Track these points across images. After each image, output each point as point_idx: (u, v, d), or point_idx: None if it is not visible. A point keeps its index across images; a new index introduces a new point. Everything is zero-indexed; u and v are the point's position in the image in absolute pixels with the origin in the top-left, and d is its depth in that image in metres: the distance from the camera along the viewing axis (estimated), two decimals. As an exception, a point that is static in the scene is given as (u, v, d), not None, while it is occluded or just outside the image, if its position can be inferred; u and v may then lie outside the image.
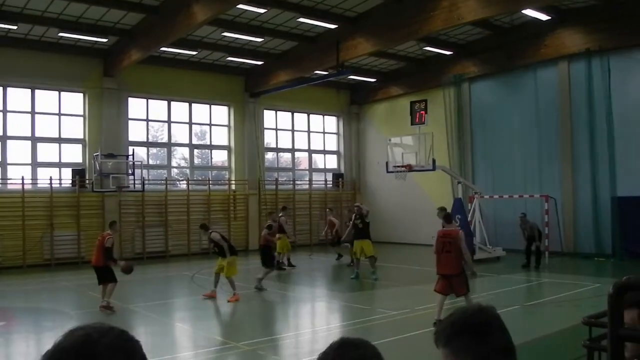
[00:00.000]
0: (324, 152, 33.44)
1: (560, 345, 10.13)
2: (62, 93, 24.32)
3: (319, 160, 33.50)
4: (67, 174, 24.16)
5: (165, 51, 24.40)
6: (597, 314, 4.81)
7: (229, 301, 14.60)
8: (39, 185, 23.49)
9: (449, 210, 14.53)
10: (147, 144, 26.94)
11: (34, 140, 23.67)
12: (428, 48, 26.06)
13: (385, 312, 13.10)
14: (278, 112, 31.11)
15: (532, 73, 24.45)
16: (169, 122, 27.32)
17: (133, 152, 25.06)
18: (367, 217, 18.66)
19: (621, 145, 21.56)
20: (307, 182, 32.00)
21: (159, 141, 27.64)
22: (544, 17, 21.81)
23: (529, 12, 20.97)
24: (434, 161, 20.64)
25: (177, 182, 28.02)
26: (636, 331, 2.26)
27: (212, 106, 28.61)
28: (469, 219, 22.45)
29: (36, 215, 22.70)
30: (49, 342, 1.53)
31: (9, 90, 23.41)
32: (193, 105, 27.90)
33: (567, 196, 23.48)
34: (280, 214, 21.46)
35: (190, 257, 25.16)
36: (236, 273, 15.17)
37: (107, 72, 24.61)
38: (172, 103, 27.24)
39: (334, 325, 12.60)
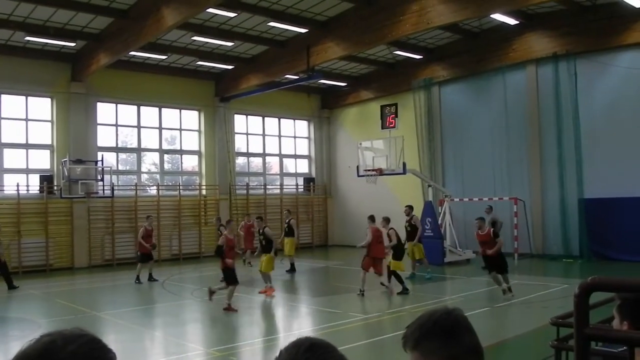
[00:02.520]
0: (295, 156, 33.43)
1: (529, 345, 10.25)
2: (29, 98, 23.96)
3: (290, 165, 33.48)
4: (34, 180, 23.82)
5: (134, 55, 24.18)
6: (564, 315, 4.87)
7: (260, 292, 16.08)
8: (5, 192, 23.08)
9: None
10: (117, 150, 26.67)
11: (0, 146, 23.28)
12: (398, 52, 26.22)
13: (357, 315, 13.14)
14: (249, 117, 31.05)
15: (501, 77, 24.71)
16: (138, 127, 27.08)
17: (102, 158, 24.81)
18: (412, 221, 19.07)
19: (588, 147, 21.88)
20: (278, 187, 31.95)
21: (129, 146, 27.39)
22: (512, 21, 22.07)
23: (498, 17, 21.19)
24: (404, 165, 20.78)
25: (147, 188, 27.80)
26: (600, 330, 2.29)
27: (182, 111, 28.43)
28: (439, 222, 22.63)
29: (3, 222, 22.24)
30: (15, 352, 1.51)
31: (-25, 95, 23.04)
32: (163, 110, 27.71)
33: (536, 198, 23.77)
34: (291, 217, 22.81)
35: (160, 263, 24.94)
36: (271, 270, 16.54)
37: (75, 77, 24.33)
38: (142, 108, 27.03)
39: (305, 329, 12.59)
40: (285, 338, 11.69)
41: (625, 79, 21.29)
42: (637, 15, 20.20)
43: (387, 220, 16.55)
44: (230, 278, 14.05)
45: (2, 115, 23.38)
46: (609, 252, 21.16)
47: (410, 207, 19.30)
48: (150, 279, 19.35)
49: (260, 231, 16.88)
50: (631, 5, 19.41)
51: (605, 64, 21.76)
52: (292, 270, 21.05)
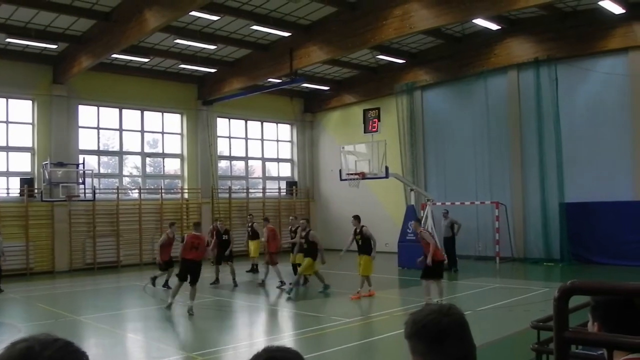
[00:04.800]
0: (278, 160, 33.40)
1: (510, 348, 10.30)
2: (10, 100, 23.79)
3: (272, 169, 33.45)
4: (15, 183, 23.62)
5: (116, 58, 24.09)
6: (544, 318, 4.91)
7: (352, 298, 15.71)
8: (-15, 195, 22.91)
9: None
10: (98, 153, 26.51)
11: (-20, 148, 23.10)
12: (381, 56, 26.32)
13: (339, 319, 13.13)
14: (231, 120, 30.98)
15: (483, 81, 24.85)
16: (120, 130, 26.94)
17: (84, 161, 24.64)
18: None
19: (568, 152, 22.06)
20: (261, 191, 31.90)
21: (110, 149, 27.22)
22: (494, 26, 22.25)
23: (480, 22, 21.36)
24: (387, 169, 20.81)
25: (129, 191, 27.64)
26: (580, 334, 2.32)
27: (165, 114, 28.32)
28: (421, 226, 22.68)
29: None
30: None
31: (-46, 97, 22.80)
32: (145, 113, 27.59)
33: (517, 203, 23.91)
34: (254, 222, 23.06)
35: (142, 267, 24.80)
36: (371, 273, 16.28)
37: (57, 79, 24.18)
38: (124, 111, 26.89)
39: (287, 333, 12.57)
40: (266, 342, 11.66)
41: (605, 84, 21.52)
42: (617, 21, 20.46)
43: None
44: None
45: (-18, 118, 23.17)
46: (590, 255, 21.35)
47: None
48: (152, 282, 18.83)
49: (358, 230, 16.32)
50: (611, 12, 19.67)
51: (586, 69, 21.97)
52: (255, 271, 21.87)
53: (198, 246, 14.60)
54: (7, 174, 23.70)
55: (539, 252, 23.10)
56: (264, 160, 32.64)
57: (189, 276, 14.43)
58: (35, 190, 23.76)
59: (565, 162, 22.13)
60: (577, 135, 22.02)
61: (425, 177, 27.53)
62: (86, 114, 25.74)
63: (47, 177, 23.31)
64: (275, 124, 33.02)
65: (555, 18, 21.96)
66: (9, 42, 21.84)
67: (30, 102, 24.20)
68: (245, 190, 31.03)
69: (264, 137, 32.51)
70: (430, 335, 1.94)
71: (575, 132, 22.04)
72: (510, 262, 22.99)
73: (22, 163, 24.20)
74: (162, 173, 29.13)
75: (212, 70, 27.36)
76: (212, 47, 24.00)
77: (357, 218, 16.52)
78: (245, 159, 31.89)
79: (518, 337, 10.41)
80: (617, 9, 19.48)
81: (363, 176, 21.25)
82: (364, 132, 21.59)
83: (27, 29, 21.11)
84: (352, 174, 21.54)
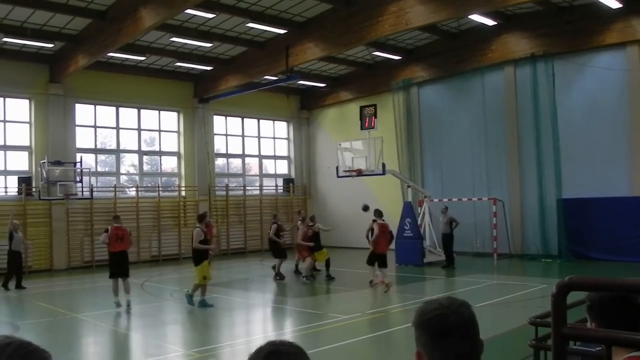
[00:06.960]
0: (275, 157, 33.39)
1: (508, 345, 10.30)
2: (7, 99, 23.78)
3: (269, 166, 33.43)
4: (12, 182, 23.60)
5: (112, 56, 24.04)
6: (542, 314, 4.90)
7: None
8: (-18, 194, 22.86)
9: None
10: (95, 151, 26.50)
11: (-23, 147, 23.05)
12: (377, 53, 26.29)
13: (337, 316, 13.14)
14: (228, 118, 30.97)
15: (480, 77, 24.84)
16: (117, 128, 26.91)
17: (81, 159, 24.65)
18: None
19: (566, 148, 22.04)
20: (258, 188, 31.89)
21: (108, 148, 27.20)
22: (490, 22, 22.23)
23: (476, 18, 21.34)
24: (383, 165, 20.82)
25: (126, 189, 27.61)
26: (578, 330, 2.32)
27: (161, 112, 28.30)
28: (418, 222, 22.71)
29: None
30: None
31: (-50, 96, 22.75)
32: (142, 111, 27.55)
33: (515, 199, 23.92)
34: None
35: (140, 264, 24.77)
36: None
37: (54, 78, 24.13)
38: (121, 109, 26.86)
39: (285, 330, 12.57)
40: (264, 339, 11.60)
41: (603, 80, 21.50)
42: (614, 16, 20.44)
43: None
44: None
45: (-21, 117, 23.14)
46: (587, 251, 21.34)
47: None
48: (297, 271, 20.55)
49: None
50: (608, 7, 19.63)
51: (583, 64, 21.98)
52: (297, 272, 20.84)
53: (122, 237, 15.20)
54: (5, 172, 23.67)
55: (536, 248, 23.10)
56: (260, 157, 32.61)
57: (119, 270, 14.93)
58: (33, 189, 23.73)
59: (563, 158, 22.10)
60: (575, 131, 21.99)
61: (422, 173, 27.53)
62: (83, 112, 25.72)
63: (44, 175, 23.30)
64: (271, 121, 33.00)
65: (552, 13, 21.96)
66: (6, 42, 21.80)
67: (27, 101, 24.17)
68: (242, 188, 31.00)
69: (261, 135, 32.49)
70: (434, 330, 1.96)
71: (572, 128, 22.02)
72: (507, 259, 23.02)
73: (20, 162, 24.18)
74: (159, 171, 29.11)
75: (208, 68, 27.34)
76: (208, 44, 23.98)
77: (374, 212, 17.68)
78: (242, 156, 31.86)
79: (516, 334, 10.42)
80: (615, 4, 19.44)
81: (360, 173, 21.25)
82: (361, 129, 21.60)
83: (23, 28, 21.07)
84: (349, 171, 21.55)
